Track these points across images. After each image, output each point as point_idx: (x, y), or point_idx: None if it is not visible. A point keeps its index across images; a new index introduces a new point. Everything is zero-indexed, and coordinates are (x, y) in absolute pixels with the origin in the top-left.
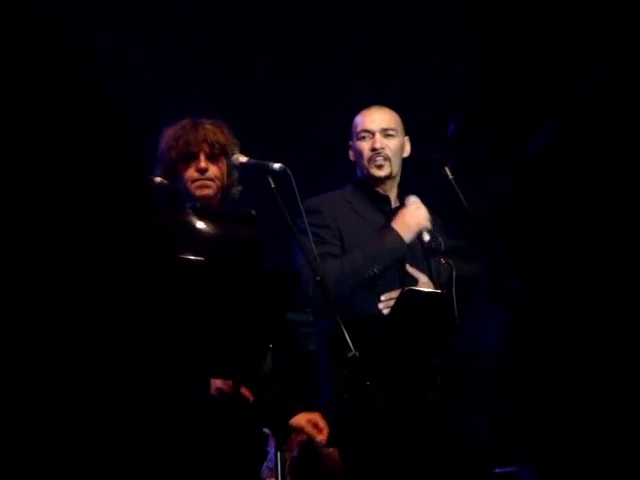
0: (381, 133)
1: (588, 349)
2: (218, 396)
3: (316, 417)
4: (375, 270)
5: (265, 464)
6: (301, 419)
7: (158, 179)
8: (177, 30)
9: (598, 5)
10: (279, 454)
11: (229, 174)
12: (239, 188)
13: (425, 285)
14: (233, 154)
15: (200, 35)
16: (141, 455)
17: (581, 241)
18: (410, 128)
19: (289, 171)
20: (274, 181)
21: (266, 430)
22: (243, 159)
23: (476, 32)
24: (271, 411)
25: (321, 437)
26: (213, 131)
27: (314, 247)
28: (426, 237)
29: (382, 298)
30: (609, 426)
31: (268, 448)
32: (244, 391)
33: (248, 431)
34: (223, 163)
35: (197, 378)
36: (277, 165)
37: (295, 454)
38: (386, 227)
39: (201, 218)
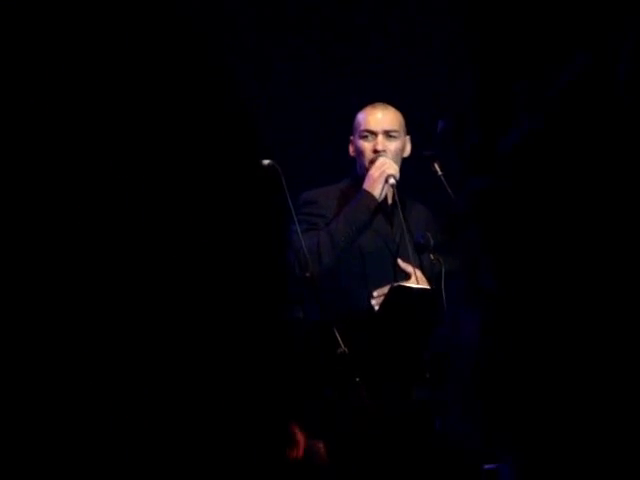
0: (383, 135)
1: (567, 343)
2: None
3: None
4: (350, 232)
5: None
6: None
7: (267, 161)
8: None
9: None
10: None
11: None
12: None
13: (419, 280)
14: None
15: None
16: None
17: (558, 236)
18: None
19: (278, 167)
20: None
21: None
22: None
23: (467, 30)
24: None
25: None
26: None
27: (301, 235)
28: (391, 180)
29: (374, 294)
30: (591, 419)
31: None
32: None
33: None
34: None
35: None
36: (266, 162)
37: None
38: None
39: None
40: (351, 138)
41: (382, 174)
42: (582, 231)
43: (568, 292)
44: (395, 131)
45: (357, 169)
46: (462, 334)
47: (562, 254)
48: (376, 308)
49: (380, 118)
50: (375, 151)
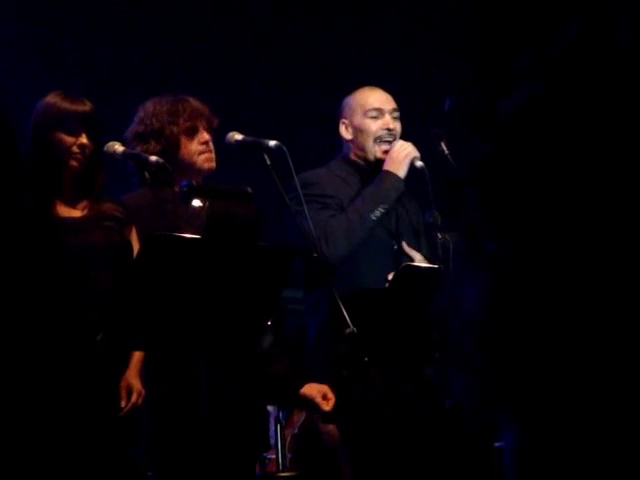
0: (390, 114)
1: (570, 307)
2: None
3: (325, 388)
4: (379, 211)
5: None
6: (312, 389)
7: (154, 158)
8: (165, 7)
9: None
10: (279, 431)
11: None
12: None
13: (421, 263)
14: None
15: (192, 13)
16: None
17: (558, 197)
18: (407, 103)
19: (285, 148)
20: (270, 158)
21: (269, 408)
22: (239, 137)
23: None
24: (277, 384)
25: (327, 407)
26: (200, 104)
27: (313, 215)
28: (419, 163)
29: (389, 278)
30: (595, 383)
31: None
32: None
33: (251, 409)
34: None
35: (194, 357)
36: (273, 142)
37: (295, 431)
38: (379, 173)
39: (198, 196)
40: (344, 121)
41: (407, 155)
42: (582, 193)
43: (570, 255)
44: (398, 111)
45: (350, 150)
46: (464, 299)
47: (563, 216)
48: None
49: (385, 97)
50: (388, 128)
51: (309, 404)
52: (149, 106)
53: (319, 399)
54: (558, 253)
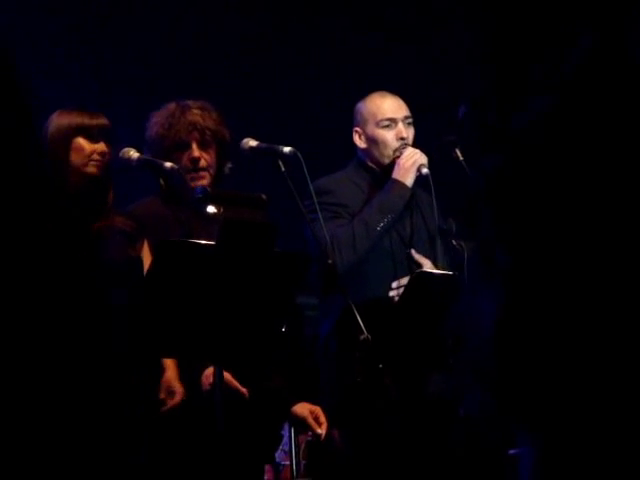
0: (403, 122)
1: (583, 319)
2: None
3: (318, 410)
4: (386, 221)
5: (280, 447)
6: (304, 409)
7: (169, 164)
8: (179, 11)
9: None
10: (293, 438)
11: (221, 157)
12: (229, 165)
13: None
14: (224, 138)
15: (204, 17)
16: (154, 443)
17: (572, 211)
18: (420, 110)
19: (299, 155)
20: (284, 165)
21: None
22: (253, 143)
23: (483, 12)
24: (271, 400)
25: (320, 431)
26: (202, 116)
27: (324, 224)
28: (424, 170)
29: (393, 285)
30: (611, 395)
31: (283, 432)
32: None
33: (260, 416)
34: (214, 149)
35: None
36: (287, 149)
37: (310, 438)
38: (387, 181)
39: (212, 202)
40: (357, 129)
41: (414, 163)
42: (596, 205)
43: (584, 269)
44: (411, 117)
45: (365, 158)
46: (478, 312)
47: (576, 230)
48: (395, 299)
49: (397, 105)
50: (402, 138)
51: (300, 423)
52: (155, 113)
53: (311, 420)
54: (573, 268)
